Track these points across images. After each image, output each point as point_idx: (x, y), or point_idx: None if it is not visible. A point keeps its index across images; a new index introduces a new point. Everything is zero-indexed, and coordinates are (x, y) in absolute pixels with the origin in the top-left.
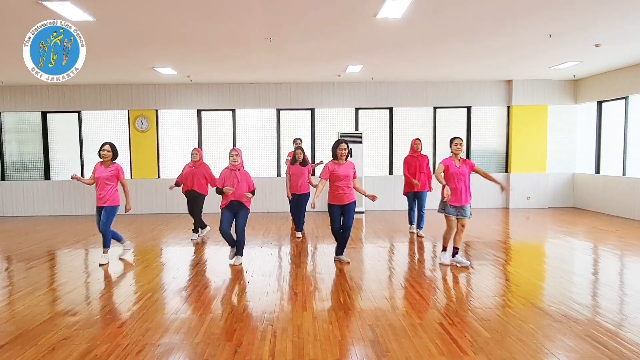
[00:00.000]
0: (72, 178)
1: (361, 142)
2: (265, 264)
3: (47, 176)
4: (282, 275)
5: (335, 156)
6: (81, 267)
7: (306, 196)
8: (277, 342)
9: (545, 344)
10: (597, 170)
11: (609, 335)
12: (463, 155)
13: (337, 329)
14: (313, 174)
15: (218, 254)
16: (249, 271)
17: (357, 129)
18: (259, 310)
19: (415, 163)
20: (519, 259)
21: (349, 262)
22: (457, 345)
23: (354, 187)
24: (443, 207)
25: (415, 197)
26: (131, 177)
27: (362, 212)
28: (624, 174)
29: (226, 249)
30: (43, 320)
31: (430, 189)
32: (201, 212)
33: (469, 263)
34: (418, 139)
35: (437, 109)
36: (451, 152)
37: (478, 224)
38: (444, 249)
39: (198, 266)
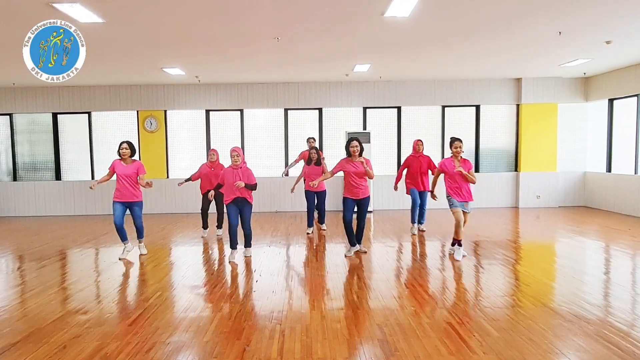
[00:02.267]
0: (91, 188)
1: (369, 142)
2: (273, 263)
3: (58, 176)
4: (291, 275)
5: (348, 154)
6: (92, 266)
7: (323, 194)
8: (285, 341)
9: (555, 344)
10: (609, 169)
11: (621, 336)
12: (470, 154)
13: (345, 328)
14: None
15: (227, 253)
16: (258, 270)
17: (365, 128)
18: (268, 309)
19: (416, 164)
20: (529, 259)
21: (365, 252)
22: (467, 345)
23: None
24: (450, 202)
25: (419, 195)
26: None
27: (371, 212)
28: (636, 172)
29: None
30: (55, 319)
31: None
32: (223, 211)
33: (462, 258)
34: (420, 140)
35: (446, 108)
36: (452, 153)
37: (488, 223)
38: (460, 245)
39: (207, 265)
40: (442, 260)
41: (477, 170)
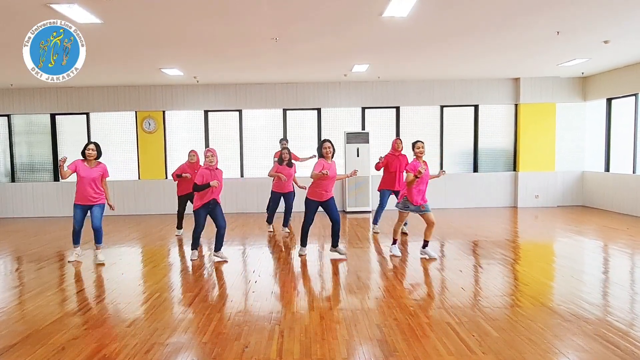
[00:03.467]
0: (60, 160)
1: (368, 142)
2: (272, 264)
3: (56, 177)
4: (289, 275)
5: (321, 155)
6: (90, 268)
7: (290, 194)
8: (284, 341)
9: (554, 343)
10: (607, 168)
11: (620, 335)
12: (469, 154)
13: (344, 328)
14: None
15: (225, 254)
16: (256, 271)
17: (363, 128)
18: (267, 310)
19: (395, 162)
20: (527, 258)
21: (345, 258)
22: (466, 345)
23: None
24: (405, 206)
25: (391, 195)
26: (139, 178)
27: (369, 212)
28: (634, 171)
29: (234, 249)
30: (53, 320)
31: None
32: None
33: (436, 256)
34: (399, 138)
35: (444, 108)
36: (414, 155)
37: (486, 223)
38: (394, 242)
39: (205, 266)
40: (440, 260)
41: (475, 170)
